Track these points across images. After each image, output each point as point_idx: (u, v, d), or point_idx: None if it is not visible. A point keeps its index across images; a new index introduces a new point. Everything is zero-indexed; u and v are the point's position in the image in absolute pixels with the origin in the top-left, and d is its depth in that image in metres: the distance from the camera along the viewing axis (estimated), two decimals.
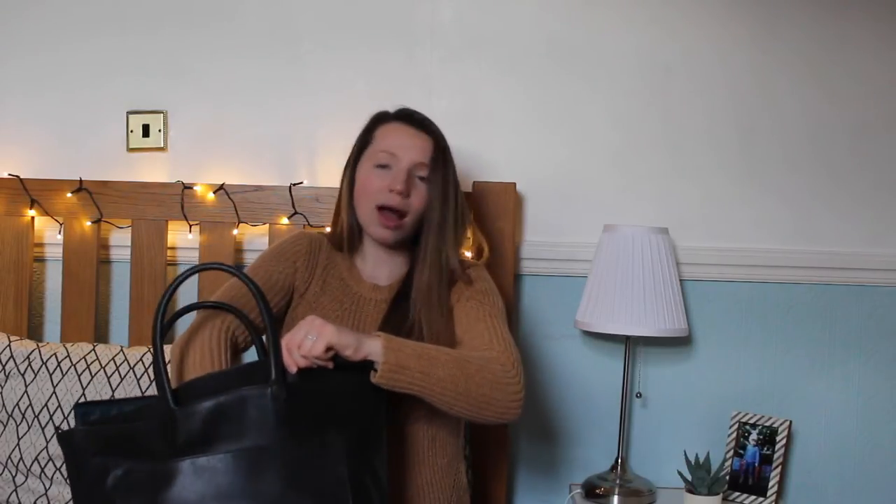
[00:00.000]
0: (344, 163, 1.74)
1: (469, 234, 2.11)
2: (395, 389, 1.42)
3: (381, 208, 1.64)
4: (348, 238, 1.72)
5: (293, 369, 1.36)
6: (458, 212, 1.69)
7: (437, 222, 1.65)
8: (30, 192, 2.13)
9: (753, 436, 2.13)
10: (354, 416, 1.40)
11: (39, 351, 1.97)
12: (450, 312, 1.66)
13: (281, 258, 1.70)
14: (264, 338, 1.69)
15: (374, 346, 1.40)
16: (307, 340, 1.36)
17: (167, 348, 1.62)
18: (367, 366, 1.41)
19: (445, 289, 1.66)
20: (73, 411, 1.43)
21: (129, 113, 2.21)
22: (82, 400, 1.90)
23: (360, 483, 1.36)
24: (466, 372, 1.46)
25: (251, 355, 1.60)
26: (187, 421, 1.29)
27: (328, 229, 2.06)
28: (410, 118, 1.71)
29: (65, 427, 1.90)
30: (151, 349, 1.36)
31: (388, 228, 1.65)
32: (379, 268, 1.73)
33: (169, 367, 1.63)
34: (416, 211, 1.65)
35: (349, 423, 1.38)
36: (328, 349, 1.37)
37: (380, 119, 1.73)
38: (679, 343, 2.22)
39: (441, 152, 1.67)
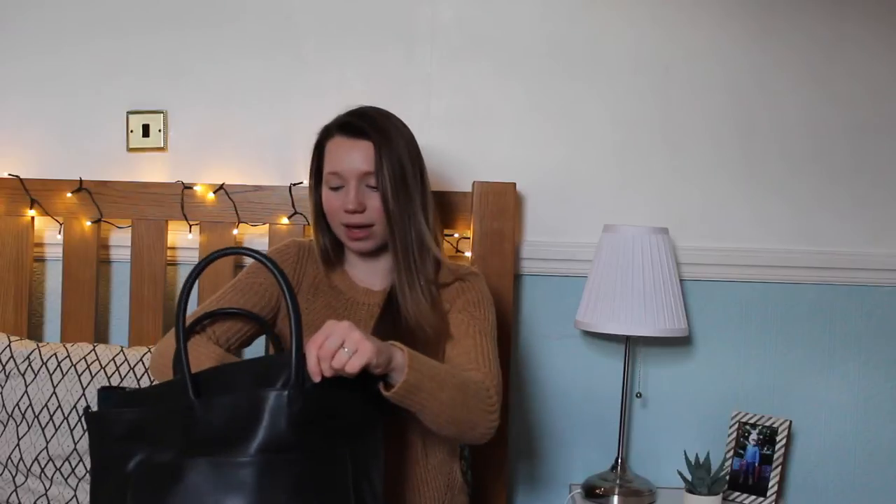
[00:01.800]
0: None
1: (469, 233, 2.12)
2: (399, 404, 1.39)
3: (346, 226, 1.65)
4: (324, 258, 1.72)
5: (317, 379, 1.28)
6: (424, 203, 1.67)
7: (399, 217, 1.63)
8: (30, 192, 2.13)
9: (753, 436, 2.13)
10: (360, 426, 1.40)
11: (39, 351, 1.97)
12: (443, 312, 1.65)
13: (264, 270, 1.68)
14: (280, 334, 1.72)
15: (398, 362, 1.36)
16: (342, 353, 1.27)
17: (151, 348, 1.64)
18: (376, 375, 1.37)
19: (431, 283, 1.66)
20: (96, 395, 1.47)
21: (129, 113, 2.21)
22: (82, 401, 1.91)
23: (359, 493, 1.37)
24: (464, 397, 1.47)
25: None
26: (205, 415, 1.30)
27: None
28: (347, 127, 1.66)
29: (65, 427, 1.90)
30: (175, 333, 1.38)
31: (359, 240, 1.65)
32: (370, 274, 1.73)
33: (150, 368, 1.66)
34: (380, 219, 1.64)
35: (355, 433, 1.38)
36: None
37: (325, 135, 1.69)
38: (679, 343, 2.22)
39: (380, 150, 1.62)
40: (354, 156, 1.63)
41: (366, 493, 1.38)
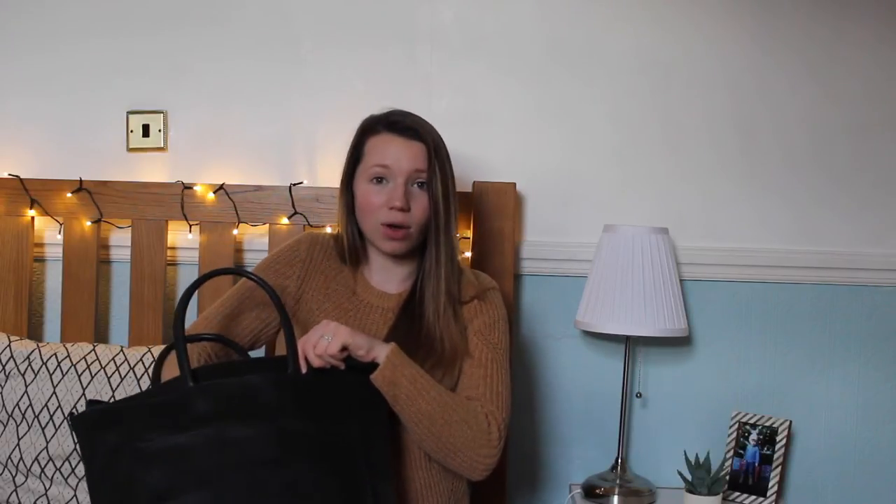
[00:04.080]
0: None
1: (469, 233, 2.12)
2: (381, 391, 1.50)
3: (386, 225, 1.62)
4: (351, 253, 1.70)
5: (304, 369, 1.43)
6: (457, 218, 1.68)
7: (444, 226, 1.63)
8: (30, 192, 2.13)
9: (753, 436, 2.13)
10: (367, 415, 1.46)
11: (39, 351, 1.97)
12: (464, 330, 1.65)
13: (273, 271, 1.70)
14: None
15: (381, 352, 1.48)
16: (322, 340, 1.43)
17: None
18: (374, 368, 1.49)
19: (456, 300, 1.66)
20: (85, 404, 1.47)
21: (129, 113, 2.21)
22: (83, 400, 1.91)
23: (375, 475, 1.42)
24: (447, 417, 1.51)
25: None
26: (205, 397, 1.32)
27: (328, 229, 2.06)
28: (398, 126, 1.64)
29: (65, 427, 1.90)
30: (174, 338, 1.40)
31: (396, 240, 1.63)
32: (387, 277, 1.71)
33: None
34: (420, 221, 1.63)
35: (362, 419, 1.44)
36: (343, 349, 1.44)
37: (367, 130, 1.67)
38: (679, 343, 2.22)
39: (435, 155, 1.63)
40: (407, 153, 1.61)
41: (380, 471, 1.44)
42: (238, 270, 1.52)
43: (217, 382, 1.34)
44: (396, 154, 1.62)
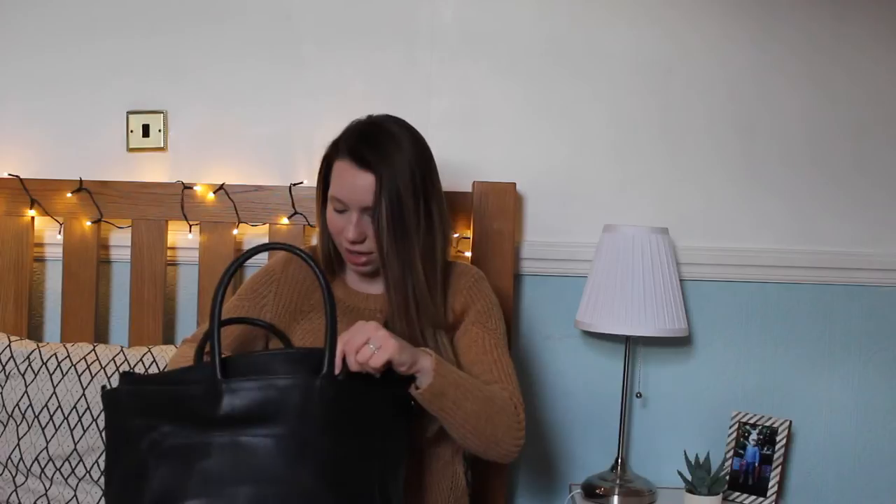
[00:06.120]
0: None
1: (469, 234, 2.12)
2: (426, 407, 1.45)
3: (347, 250, 1.65)
4: (327, 265, 1.72)
5: (337, 370, 1.34)
6: (427, 234, 1.63)
7: (397, 255, 1.59)
8: (30, 192, 2.13)
9: (753, 436, 2.13)
10: (388, 424, 1.42)
11: (39, 351, 1.97)
12: (447, 330, 1.65)
13: (252, 291, 1.73)
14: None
15: (425, 365, 1.42)
16: (367, 349, 1.35)
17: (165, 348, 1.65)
18: (407, 378, 1.43)
19: (442, 320, 1.64)
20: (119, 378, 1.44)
21: (129, 113, 2.21)
22: (82, 401, 1.91)
23: (385, 489, 1.39)
24: (489, 411, 1.50)
25: None
26: (232, 395, 1.29)
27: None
28: (356, 154, 1.60)
29: (65, 427, 1.90)
30: (210, 322, 1.37)
31: (359, 265, 1.66)
32: (370, 283, 1.73)
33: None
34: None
35: (383, 429, 1.41)
36: (386, 362, 1.37)
37: (334, 151, 1.66)
38: (679, 343, 2.22)
39: (383, 189, 1.56)
40: (358, 186, 1.59)
41: (391, 493, 1.41)
42: (287, 247, 1.44)
43: (246, 380, 1.30)
44: (348, 188, 1.60)
